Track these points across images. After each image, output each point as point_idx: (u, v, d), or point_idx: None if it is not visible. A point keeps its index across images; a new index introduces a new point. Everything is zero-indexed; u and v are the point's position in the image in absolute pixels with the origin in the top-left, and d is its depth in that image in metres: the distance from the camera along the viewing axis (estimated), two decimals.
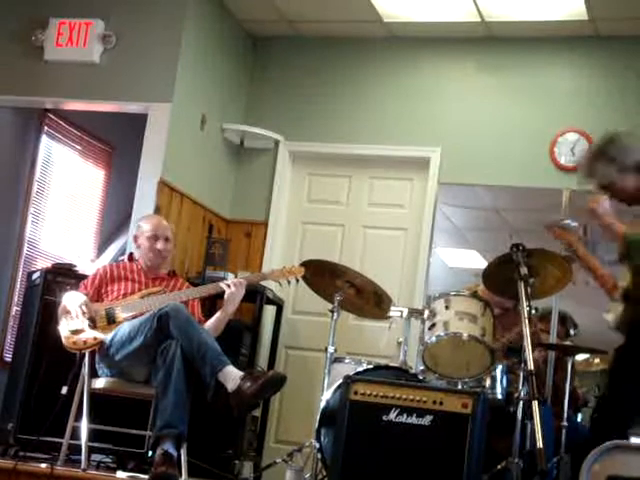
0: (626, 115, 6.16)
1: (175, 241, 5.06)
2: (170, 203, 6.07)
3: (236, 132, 6.76)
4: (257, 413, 6.14)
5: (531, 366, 3.05)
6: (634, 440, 3.19)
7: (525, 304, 3.30)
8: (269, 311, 6.49)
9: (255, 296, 6.00)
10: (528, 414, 2.92)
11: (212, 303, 5.77)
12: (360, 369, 4.67)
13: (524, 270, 3.52)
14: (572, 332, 5.56)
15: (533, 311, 4.51)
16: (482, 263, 5.00)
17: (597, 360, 6.27)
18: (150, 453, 4.24)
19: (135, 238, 4.89)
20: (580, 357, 6.36)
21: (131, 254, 4.96)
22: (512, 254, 3.65)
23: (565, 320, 5.87)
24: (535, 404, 2.93)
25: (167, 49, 6.10)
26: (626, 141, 3.83)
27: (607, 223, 3.79)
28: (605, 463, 3.22)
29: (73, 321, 4.46)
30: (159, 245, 4.80)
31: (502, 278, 4.03)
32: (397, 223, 6.61)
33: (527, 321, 3.21)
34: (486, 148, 6.41)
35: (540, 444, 2.83)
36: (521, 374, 4.09)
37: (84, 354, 4.47)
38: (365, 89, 6.74)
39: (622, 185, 3.81)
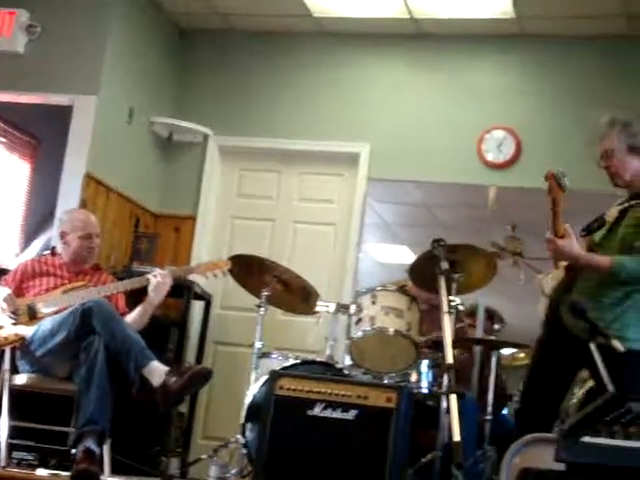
0: (552, 113, 6.26)
1: (100, 234, 4.99)
2: (96, 197, 5.99)
3: (164, 126, 6.70)
4: (184, 409, 6.11)
5: (450, 360, 3.06)
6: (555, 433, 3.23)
7: (445, 298, 3.31)
8: (197, 306, 6.45)
9: (182, 291, 5.95)
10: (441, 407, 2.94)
11: (138, 298, 5.69)
12: (287, 364, 4.65)
13: (445, 265, 3.53)
14: (496, 327, 5.61)
15: (460, 307, 4.57)
16: (413, 258, 5.04)
17: (522, 355, 6.36)
18: (72, 450, 4.17)
19: (63, 234, 4.78)
20: (506, 352, 6.44)
21: (53, 248, 4.88)
22: (433, 249, 3.65)
23: (492, 316, 5.93)
24: (453, 397, 2.95)
25: (93, 40, 6.02)
26: None
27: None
28: (525, 456, 3.25)
29: None
30: (91, 243, 4.75)
31: (427, 273, 4.05)
32: (327, 218, 6.62)
33: (447, 315, 3.22)
34: (415, 144, 6.45)
35: (457, 437, 2.84)
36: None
37: (4, 350, 4.39)
38: (295, 84, 6.74)
39: (623, 163, 3.74)
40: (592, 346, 3.13)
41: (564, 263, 3.80)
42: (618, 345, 3.23)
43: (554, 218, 3.67)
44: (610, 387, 2.93)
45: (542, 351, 3.85)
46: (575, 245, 3.66)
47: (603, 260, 3.61)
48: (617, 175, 3.76)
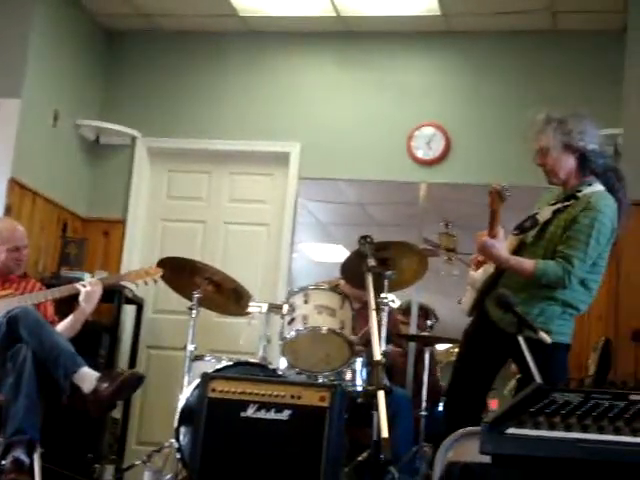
0: (480, 108, 6.31)
1: (28, 244, 4.90)
2: (21, 202, 5.88)
3: (91, 128, 6.61)
4: (118, 415, 6.04)
5: (378, 357, 3.06)
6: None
7: (372, 296, 3.31)
8: (129, 311, 6.37)
9: (113, 296, 5.88)
10: (374, 405, 2.94)
11: (69, 306, 5.60)
12: (220, 366, 4.61)
13: (372, 262, 3.53)
14: (429, 323, 5.64)
15: (392, 303, 4.57)
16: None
17: (457, 350, 6.39)
18: (2, 461, 4.08)
19: None
20: (442, 347, 6.48)
21: None
22: (360, 246, 3.65)
23: (426, 312, 5.96)
24: (380, 394, 2.94)
25: (15, 42, 5.91)
26: (587, 124, 3.79)
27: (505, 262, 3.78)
28: (458, 450, 3.27)
29: None
30: (19, 255, 4.67)
31: (358, 271, 4.04)
32: (258, 219, 6.59)
33: (374, 312, 3.22)
34: (346, 142, 6.45)
35: (385, 434, 2.83)
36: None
37: None
38: (224, 84, 6.69)
39: (558, 160, 3.77)
40: (520, 339, 3.16)
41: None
42: (546, 337, 3.27)
43: (492, 222, 3.71)
44: (538, 379, 2.96)
45: (468, 344, 3.89)
46: (502, 248, 3.69)
47: (527, 265, 3.64)
48: (552, 173, 3.79)
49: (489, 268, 3.84)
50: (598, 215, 3.63)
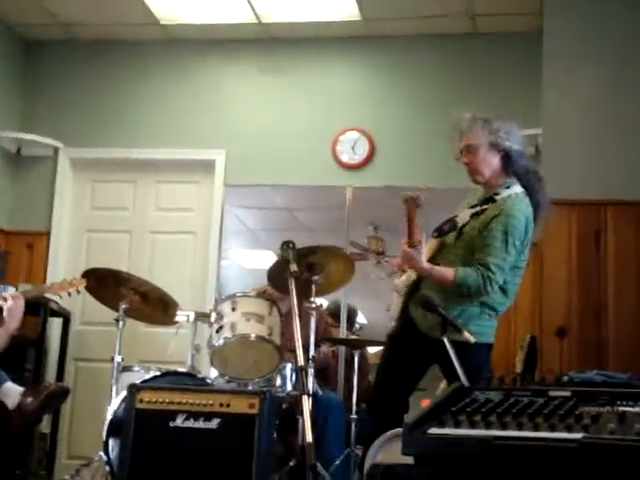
0: (403, 112, 6.36)
1: None
2: None
3: (11, 140, 6.51)
4: (47, 429, 5.94)
5: (301, 362, 3.07)
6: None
7: (295, 301, 3.32)
8: (55, 323, 6.28)
9: (39, 309, 5.79)
10: (298, 410, 2.94)
11: None
12: (148, 377, 4.57)
13: (294, 267, 3.53)
14: (357, 326, 5.66)
15: (322, 307, 4.59)
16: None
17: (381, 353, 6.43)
18: None
19: None
20: (372, 350, 6.51)
21: None
22: (282, 252, 3.66)
23: (350, 314, 5.98)
24: (304, 399, 2.95)
25: None
26: (511, 125, 3.83)
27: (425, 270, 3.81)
28: (386, 453, 3.30)
29: None
30: None
31: (284, 277, 4.05)
32: (185, 227, 6.55)
33: (297, 318, 3.23)
34: (271, 149, 6.45)
35: (309, 439, 2.84)
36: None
37: None
38: (146, 92, 6.65)
39: (484, 159, 3.80)
40: (445, 339, 3.19)
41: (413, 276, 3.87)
42: (470, 337, 3.31)
43: (410, 230, 3.74)
44: (464, 379, 2.99)
45: (391, 346, 3.92)
46: (422, 258, 3.74)
47: (447, 274, 3.68)
48: (477, 171, 3.83)
49: (412, 274, 3.87)
50: (510, 220, 3.67)
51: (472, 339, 3.29)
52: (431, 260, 3.78)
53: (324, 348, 5.20)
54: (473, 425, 1.98)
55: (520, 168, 3.81)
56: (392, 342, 3.91)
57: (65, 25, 6.51)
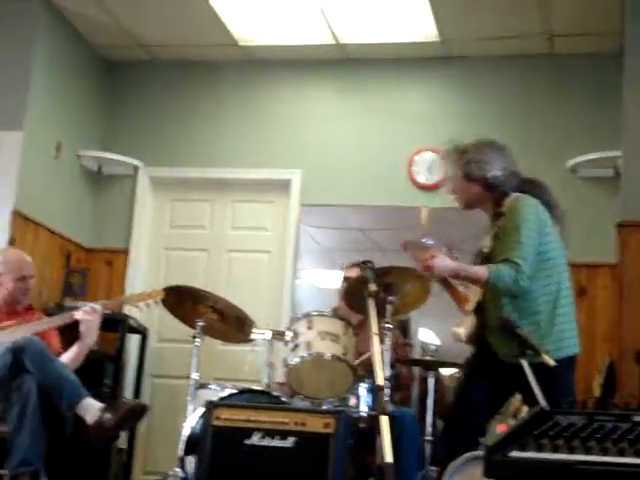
0: (479, 133, 6.29)
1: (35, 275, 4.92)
2: (25, 234, 5.90)
3: (93, 159, 6.64)
4: (123, 445, 6.02)
5: (380, 382, 3.06)
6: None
7: (374, 320, 3.32)
8: (133, 340, 6.37)
9: (117, 325, 5.89)
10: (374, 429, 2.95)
11: (74, 334, 5.61)
12: (224, 394, 4.60)
13: (373, 287, 3.53)
14: (433, 347, 5.61)
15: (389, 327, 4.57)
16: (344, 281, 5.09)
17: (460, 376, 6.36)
18: None
19: None
20: (446, 372, 6.45)
21: None
22: (361, 271, 3.67)
23: (405, 329, 5.93)
24: (383, 419, 2.94)
25: (16, 75, 5.96)
26: (487, 152, 3.88)
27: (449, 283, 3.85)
28: (463, 475, 3.27)
29: None
30: (26, 285, 4.69)
31: (359, 296, 4.06)
32: (261, 246, 6.61)
33: (376, 337, 3.22)
34: (347, 169, 6.48)
35: (388, 459, 2.83)
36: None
37: None
38: (225, 113, 6.73)
39: (462, 189, 3.89)
40: (523, 362, 3.16)
41: (471, 307, 3.85)
42: (549, 360, 3.27)
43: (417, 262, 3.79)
44: (543, 403, 2.95)
45: (468, 371, 3.88)
46: (447, 258, 3.74)
47: (480, 271, 3.67)
48: (459, 200, 3.94)
49: (468, 320, 3.86)
50: (518, 214, 3.69)
51: (552, 362, 3.25)
52: (482, 302, 3.78)
53: (404, 370, 5.15)
54: (556, 449, 1.96)
55: (509, 188, 3.83)
56: (469, 366, 3.88)
57: (145, 46, 6.64)
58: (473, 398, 3.75)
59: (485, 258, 3.78)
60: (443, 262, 3.74)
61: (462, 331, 3.83)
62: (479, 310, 3.79)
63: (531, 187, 3.86)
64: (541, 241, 3.69)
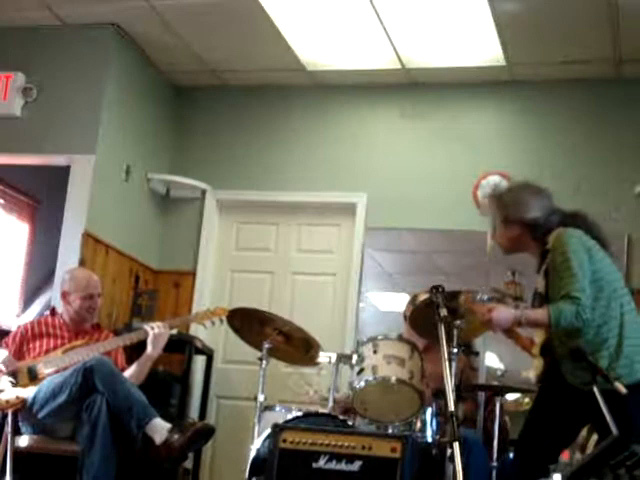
0: (545, 157, 6.29)
1: (102, 293, 5.00)
2: (95, 255, 6.01)
3: (162, 182, 6.74)
4: (189, 465, 6.07)
5: (451, 407, 3.05)
6: (556, 477, 3.21)
7: (445, 346, 3.32)
8: (199, 361, 6.43)
9: (184, 346, 5.95)
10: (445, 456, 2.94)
11: (138, 353, 5.69)
12: (290, 416, 4.62)
13: (444, 312, 3.54)
14: (499, 373, 5.58)
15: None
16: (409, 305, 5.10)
17: (527, 400, 6.30)
18: None
19: (64, 294, 4.81)
20: (510, 397, 6.39)
21: (53, 308, 4.89)
22: (432, 296, 3.67)
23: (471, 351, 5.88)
24: (456, 446, 2.93)
25: (89, 100, 6.08)
26: (523, 194, 3.88)
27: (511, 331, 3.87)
28: None
29: None
30: (93, 304, 4.77)
31: (426, 320, 4.06)
32: (326, 269, 6.63)
33: (447, 363, 3.22)
34: (412, 192, 6.48)
35: None
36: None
37: (7, 413, 4.38)
38: (291, 137, 6.79)
39: (504, 235, 3.90)
40: (595, 389, 3.13)
41: (537, 350, 3.84)
42: (621, 387, 3.23)
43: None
44: (614, 430, 2.92)
45: (540, 397, 3.84)
46: (505, 309, 3.76)
47: (540, 313, 3.66)
48: (501, 246, 3.96)
49: (538, 362, 3.85)
50: (564, 247, 3.66)
51: (623, 390, 3.21)
52: (548, 343, 3.75)
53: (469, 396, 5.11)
54: None
55: (551, 225, 3.81)
56: (541, 393, 3.84)
57: (214, 71, 6.73)
58: (544, 425, 3.71)
59: (542, 298, 3.76)
60: (503, 313, 3.76)
61: (532, 374, 3.82)
62: (546, 351, 3.77)
63: (573, 220, 3.83)
64: (593, 269, 3.66)
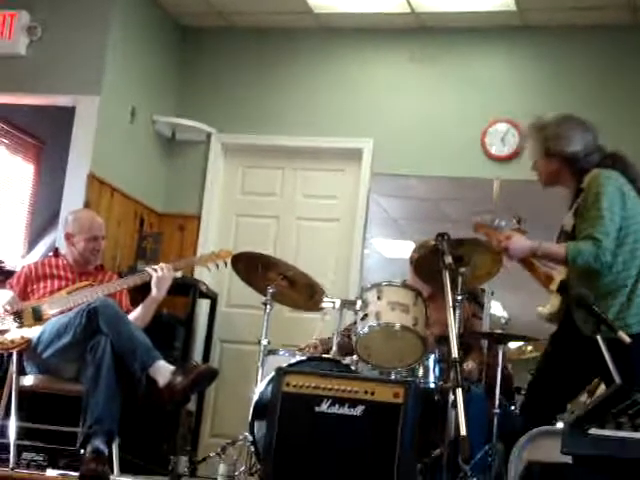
0: (556, 104, 6.21)
1: (106, 235, 4.99)
2: (100, 197, 6.00)
3: (167, 124, 6.71)
4: (192, 408, 6.11)
5: (455, 354, 3.05)
6: (560, 425, 3.22)
7: (450, 293, 3.31)
8: (203, 304, 6.45)
9: (188, 289, 5.96)
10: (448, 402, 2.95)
11: (142, 295, 5.70)
12: (293, 361, 4.64)
13: (449, 259, 3.52)
14: (503, 320, 5.58)
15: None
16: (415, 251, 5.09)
17: (530, 348, 6.32)
18: (81, 450, 4.17)
19: (68, 236, 4.79)
20: (513, 345, 6.40)
21: (56, 249, 4.89)
22: (437, 243, 3.66)
23: (476, 298, 5.88)
24: (459, 392, 2.94)
25: (95, 41, 6.04)
26: (567, 127, 3.82)
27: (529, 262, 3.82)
28: (533, 450, 3.25)
29: None
30: (97, 245, 4.76)
31: (431, 267, 4.05)
32: (330, 214, 6.62)
33: (452, 310, 3.21)
34: (418, 139, 6.44)
35: (463, 432, 2.82)
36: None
37: (11, 353, 4.40)
38: (297, 81, 6.74)
39: (542, 166, 3.85)
40: (599, 338, 3.12)
41: (555, 286, 3.81)
42: (624, 337, 3.22)
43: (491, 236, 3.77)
44: (617, 379, 2.92)
45: (552, 346, 3.84)
46: (522, 238, 3.71)
47: (558, 249, 3.65)
48: (540, 177, 3.89)
49: (554, 299, 3.83)
50: (599, 188, 3.62)
51: (627, 339, 3.20)
52: (568, 280, 3.74)
53: (470, 365, 5.10)
54: (636, 428, 1.94)
55: (587, 164, 3.75)
56: (552, 341, 3.84)
57: (222, 13, 6.66)
58: (554, 374, 3.71)
59: (568, 236, 3.73)
60: (519, 242, 3.72)
61: (547, 310, 3.80)
62: (564, 289, 3.75)
63: (612, 161, 3.78)
64: (624, 215, 3.63)
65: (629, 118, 6.03)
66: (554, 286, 3.83)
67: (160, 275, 4.56)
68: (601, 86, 6.14)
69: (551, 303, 3.84)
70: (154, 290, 4.58)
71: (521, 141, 6.15)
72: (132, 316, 4.52)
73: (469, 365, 5.02)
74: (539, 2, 6.05)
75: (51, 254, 4.99)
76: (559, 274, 3.83)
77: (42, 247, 7.03)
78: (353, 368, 4.57)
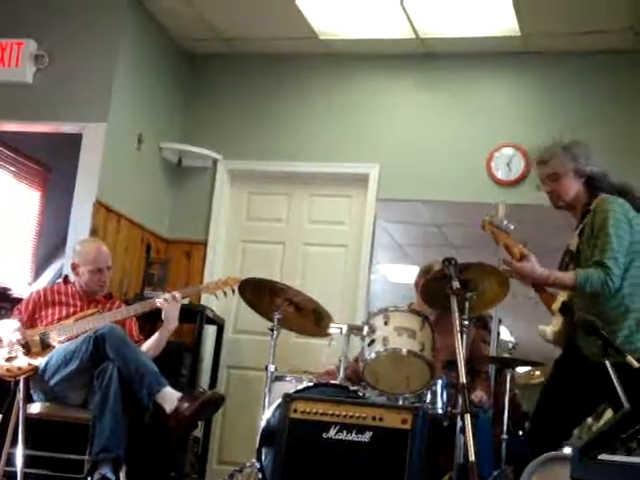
0: (560, 128, 6.20)
1: (112, 264, 4.99)
2: (106, 224, 6.00)
3: (173, 151, 6.72)
4: (199, 434, 6.09)
5: (463, 379, 3.04)
6: (567, 450, 3.21)
7: (458, 318, 3.30)
8: (210, 331, 6.44)
9: (195, 316, 5.96)
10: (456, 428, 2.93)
11: (153, 323, 5.70)
12: (300, 387, 4.63)
13: (456, 284, 3.52)
14: (510, 345, 5.58)
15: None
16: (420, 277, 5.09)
17: (538, 373, 6.32)
18: (88, 478, 4.16)
19: (74, 266, 4.80)
20: (521, 370, 6.39)
21: (66, 277, 4.89)
22: (444, 268, 3.66)
23: (484, 324, 5.88)
24: (467, 417, 2.93)
25: (102, 68, 6.05)
26: (587, 149, 3.90)
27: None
28: (542, 475, 3.24)
29: (6, 349, 4.39)
30: (102, 277, 4.76)
31: (437, 292, 4.04)
32: (337, 240, 6.61)
33: (459, 335, 3.21)
34: (424, 164, 6.44)
35: (472, 457, 2.81)
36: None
37: (19, 380, 4.39)
38: (303, 106, 6.75)
39: (568, 186, 3.84)
40: (607, 363, 3.12)
41: (557, 307, 3.83)
42: (633, 361, 3.22)
43: (507, 250, 3.77)
44: (626, 403, 2.91)
45: (556, 372, 3.83)
46: (536, 265, 3.72)
47: (568, 276, 3.66)
48: (559, 197, 3.89)
49: (557, 319, 3.83)
50: (607, 214, 3.67)
51: (635, 364, 3.19)
52: (571, 299, 3.75)
53: (480, 395, 5.09)
54: None
55: (605, 187, 3.82)
56: (556, 367, 3.83)
57: (226, 39, 6.69)
58: (559, 401, 3.70)
59: (573, 256, 3.74)
60: (533, 268, 3.73)
61: (549, 330, 3.80)
62: (566, 310, 3.76)
63: (619, 190, 3.82)
64: (632, 240, 3.65)
65: (631, 145, 6.03)
66: (556, 305, 3.84)
67: (168, 307, 4.56)
68: (603, 109, 6.14)
69: (553, 323, 3.84)
70: (166, 322, 4.58)
71: (528, 164, 6.17)
72: (145, 347, 4.53)
73: (478, 395, 5.01)
74: (543, 27, 6.07)
75: (60, 281, 4.99)
76: (561, 295, 3.84)
77: (49, 274, 7.05)
78: (360, 394, 4.56)
